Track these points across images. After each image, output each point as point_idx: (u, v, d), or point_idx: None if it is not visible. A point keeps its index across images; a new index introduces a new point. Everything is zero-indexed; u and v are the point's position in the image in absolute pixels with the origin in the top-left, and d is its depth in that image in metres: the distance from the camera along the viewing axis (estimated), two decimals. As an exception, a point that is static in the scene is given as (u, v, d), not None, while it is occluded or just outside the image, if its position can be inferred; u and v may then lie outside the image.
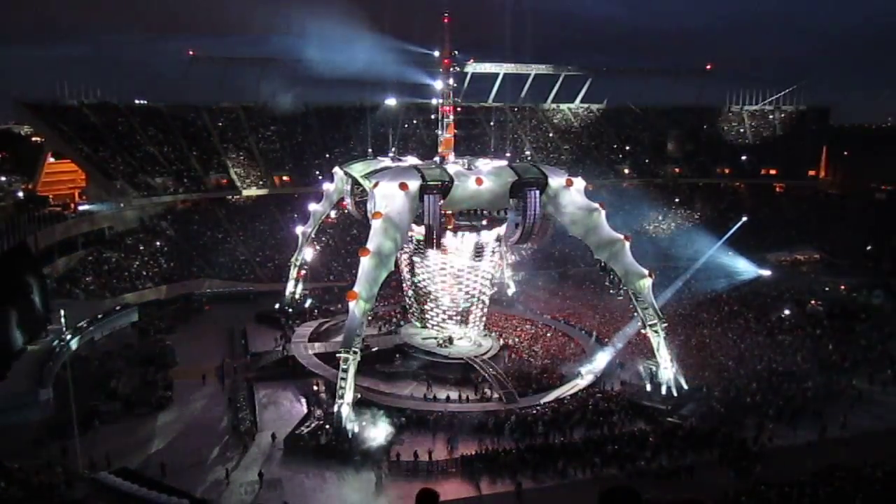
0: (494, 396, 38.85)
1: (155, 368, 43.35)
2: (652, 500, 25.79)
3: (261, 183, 77.64)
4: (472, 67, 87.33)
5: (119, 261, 61.19)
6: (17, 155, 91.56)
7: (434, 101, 50.94)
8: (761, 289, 61.22)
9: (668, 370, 39.23)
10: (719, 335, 49.41)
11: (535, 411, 37.03)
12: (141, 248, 64.14)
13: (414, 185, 38.50)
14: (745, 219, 67.63)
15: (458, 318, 46.00)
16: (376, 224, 37.22)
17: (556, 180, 41.43)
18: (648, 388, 39.74)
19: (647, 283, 39.89)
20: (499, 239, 45.40)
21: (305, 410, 37.79)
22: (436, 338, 45.75)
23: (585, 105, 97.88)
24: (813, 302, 56.08)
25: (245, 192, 76.37)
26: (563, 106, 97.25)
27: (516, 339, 49.38)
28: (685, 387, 39.17)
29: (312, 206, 54.23)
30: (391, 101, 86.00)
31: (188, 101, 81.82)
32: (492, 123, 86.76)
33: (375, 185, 39.13)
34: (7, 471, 26.56)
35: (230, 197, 76.14)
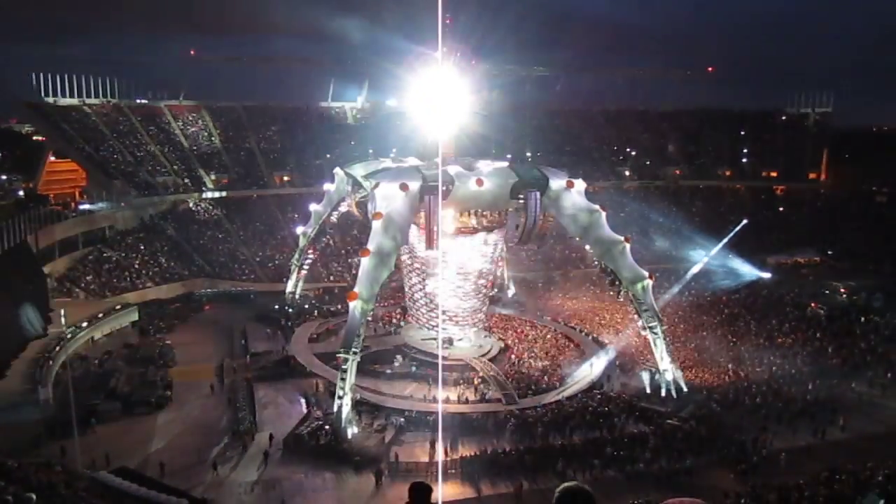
0: (494, 397, 38.86)
1: (155, 368, 43.34)
2: (651, 503, 25.80)
3: (261, 183, 77.84)
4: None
5: (119, 260, 61.23)
6: (18, 154, 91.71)
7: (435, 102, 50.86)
8: (761, 291, 61.21)
9: (667, 372, 39.23)
10: (719, 338, 49.38)
11: (535, 412, 37.04)
12: (141, 247, 64.18)
13: (415, 185, 38.53)
14: (745, 221, 67.63)
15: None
16: (377, 224, 37.24)
17: (556, 182, 41.46)
18: (648, 390, 39.75)
19: (648, 284, 39.93)
20: (499, 240, 45.42)
21: (305, 411, 37.78)
22: (436, 339, 45.70)
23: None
24: (813, 305, 56.06)
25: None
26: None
27: (516, 341, 49.38)
28: (685, 389, 39.18)
29: (313, 207, 54.26)
30: (392, 102, 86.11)
31: (189, 101, 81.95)
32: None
33: (376, 185, 39.18)
34: (6, 470, 26.53)
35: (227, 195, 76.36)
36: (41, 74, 71.25)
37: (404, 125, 79.02)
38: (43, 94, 71.31)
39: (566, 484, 4.13)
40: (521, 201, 40.72)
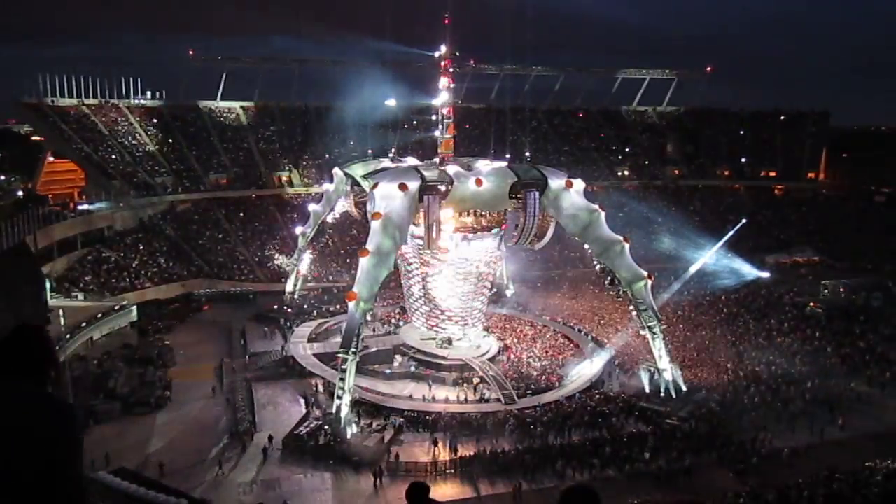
0: (493, 397, 38.86)
1: (154, 368, 43.31)
2: (651, 502, 25.84)
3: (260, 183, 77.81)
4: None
5: (118, 260, 61.15)
6: (16, 154, 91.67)
7: (434, 102, 50.96)
8: (760, 291, 61.25)
9: (666, 372, 39.25)
10: (718, 337, 49.43)
11: (534, 412, 37.05)
12: (140, 247, 64.10)
13: (413, 185, 38.53)
14: (744, 221, 67.71)
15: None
16: (375, 224, 37.24)
17: (555, 181, 41.46)
18: (647, 389, 39.77)
19: (647, 284, 39.95)
20: (498, 240, 45.42)
21: (304, 411, 37.77)
22: (434, 339, 45.71)
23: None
24: (812, 304, 56.09)
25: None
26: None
27: (515, 341, 49.38)
28: (684, 388, 39.20)
29: (312, 207, 54.27)
30: (391, 102, 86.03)
31: (188, 101, 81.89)
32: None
33: (375, 185, 39.17)
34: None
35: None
36: (40, 74, 71.27)
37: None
38: (41, 95, 71.23)
39: (571, 485, 4.12)
40: (520, 201, 40.72)
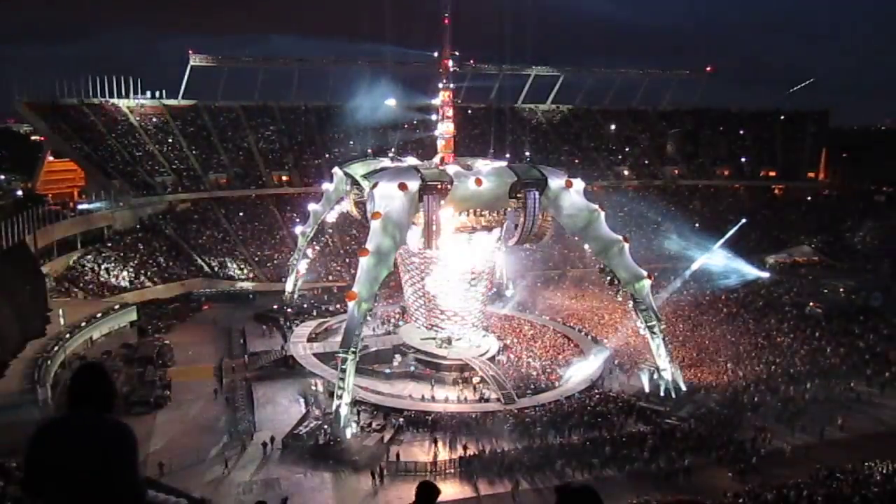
0: (493, 397, 38.86)
1: (153, 368, 43.30)
2: (651, 502, 25.83)
3: (260, 183, 77.59)
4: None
5: (118, 260, 61.15)
6: (16, 154, 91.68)
7: (434, 101, 50.99)
8: (760, 291, 61.23)
9: (666, 372, 39.24)
10: (718, 337, 49.42)
11: (534, 412, 37.04)
12: (140, 247, 64.12)
13: (413, 185, 38.52)
14: (744, 220, 67.70)
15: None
16: (375, 224, 37.25)
17: (555, 181, 41.45)
18: (647, 389, 39.77)
19: (646, 284, 39.96)
20: (498, 240, 45.41)
21: (303, 410, 37.77)
22: (434, 338, 45.69)
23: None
24: (811, 304, 56.09)
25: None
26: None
27: (515, 340, 49.37)
28: (683, 388, 39.19)
29: (312, 207, 54.25)
30: (391, 102, 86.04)
31: (188, 101, 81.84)
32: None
33: (375, 185, 39.17)
34: (5, 469, 26.48)
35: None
36: (40, 74, 71.26)
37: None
38: (41, 94, 71.19)
39: (571, 483, 4.06)
40: (520, 201, 40.73)
